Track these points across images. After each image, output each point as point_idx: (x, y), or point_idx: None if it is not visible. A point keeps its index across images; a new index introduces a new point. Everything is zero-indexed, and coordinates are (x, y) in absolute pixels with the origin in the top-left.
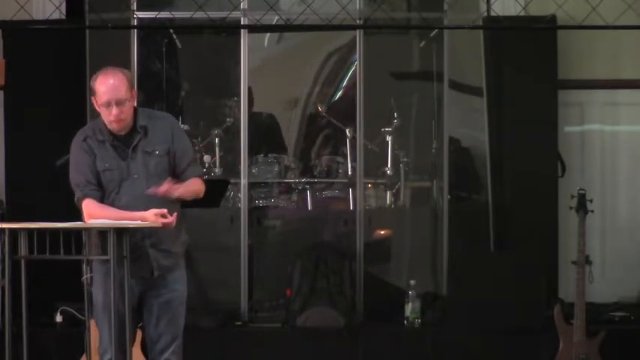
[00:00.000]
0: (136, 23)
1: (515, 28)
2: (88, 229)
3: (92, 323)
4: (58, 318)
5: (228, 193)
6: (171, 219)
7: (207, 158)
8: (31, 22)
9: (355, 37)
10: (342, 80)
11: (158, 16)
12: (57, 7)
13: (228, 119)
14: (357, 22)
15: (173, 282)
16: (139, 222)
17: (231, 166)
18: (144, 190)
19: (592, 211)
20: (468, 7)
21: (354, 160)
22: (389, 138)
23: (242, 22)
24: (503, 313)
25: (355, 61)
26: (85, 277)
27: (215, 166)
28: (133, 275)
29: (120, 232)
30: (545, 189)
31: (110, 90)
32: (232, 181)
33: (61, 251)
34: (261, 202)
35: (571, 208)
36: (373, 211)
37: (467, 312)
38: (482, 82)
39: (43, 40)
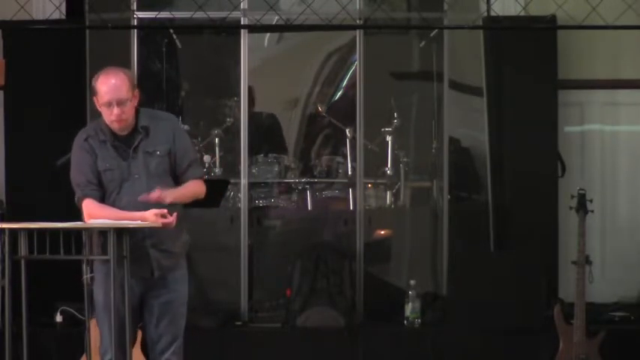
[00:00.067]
0: (136, 23)
1: (515, 28)
2: (88, 229)
3: (92, 323)
4: (58, 318)
5: (228, 193)
6: (171, 219)
7: (207, 158)
8: (31, 22)
9: (355, 37)
10: (342, 80)
11: (158, 16)
12: (57, 7)
13: (228, 119)
14: (357, 22)
15: (174, 282)
16: (139, 222)
17: (231, 166)
18: (145, 190)
19: (592, 211)
20: (468, 7)
21: (354, 160)
22: (389, 138)
23: (242, 22)
24: (503, 313)
25: (355, 61)
26: (85, 276)
27: (215, 166)
28: (133, 275)
29: (120, 232)
30: (545, 189)
31: (111, 90)
32: (232, 181)
33: (61, 251)
34: (261, 202)
35: (571, 208)
36: (373, 211)
37: (467, 312)
38: (482, 82)
39: (43, 40)
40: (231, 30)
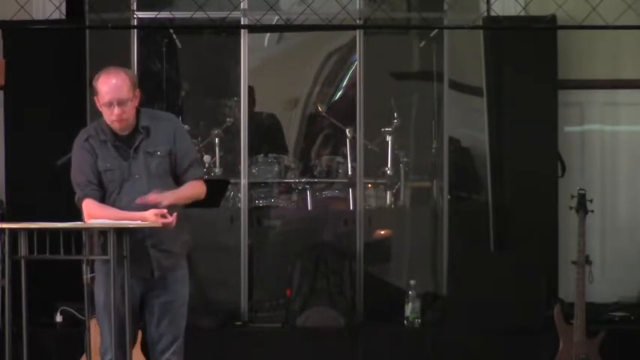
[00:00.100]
0: (136, 23)
1: (515, 28)
2: (88, 229)
3: (92, 323)
4: (58, 318)
5: (228, 193)
6: (171, 219)
7: (207, 158)
8: (31, 22)
9: (355, 37)
10: (342, 80)
11: (158, 16)
12: (57, 7)
13: (228, 119)
14: (357, 22)
15: (174, 282)
16: (139, 222)
17: (231, 166)
18: (145, 190)
19: (592, 211)
20: (468, 7)
21: (354, 160)
22: (389, 138)
23: (242, 22)
24: (503, 313)
25: (355, 61)
26: (85, 276)
27: (215, 166)
28: (133, 275)
29: (120, 232)
30: (545, 189)
31: (112, 90)
32: (232, 181)
33: (61, 251)
34: (261, 202)
35: (571, 208)
36: (373, 211)
37: (467, 312)
38: (482, 82)
39: (43, 40)
40: (231, 30)
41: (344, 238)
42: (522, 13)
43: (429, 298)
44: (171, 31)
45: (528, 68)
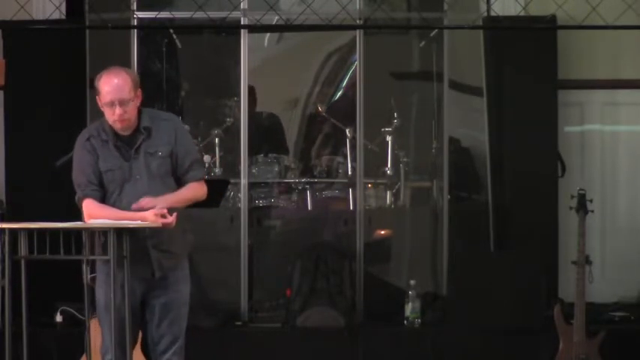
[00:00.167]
0: (136, 23)
1: (515, 28)
2: (89, 229)
3: (92, 323)
4: (58, 318)
5: (228, 193)
6: (171, 219)
7: (207, 158)
8: (31, 22)
9: (355, 37)
10: (342, 80)
11: (158, 16)
12: (57, 7)
13: (228, 119)
14: (357, 22)
15: (175, 283)
16: (139, 222)
17: (231, 166)
18: (146, 191)
19: (592, 211)
20: (468, 7)
21: (354, 160)
22: (389, 138)
23: (242, 22)
24: (503, 313)
25: (355, 61)
26: (86, 276)
27: (215, 166)
28: (134, 275)
29: (120, 232)
30: (545, 189)
31: (114, 90)
32: (232, 181)
33: (61, 251)
34: (261, 202)
35: (571, 208)
36: (373, 211)
37: (467, 312)
38: (482, 82)
39: (43, 40)
40: (231, 30)
41: (344, 238)
42: (522, 13)
43: (429, 298)
44: (171, 31)
45: (528, 68)
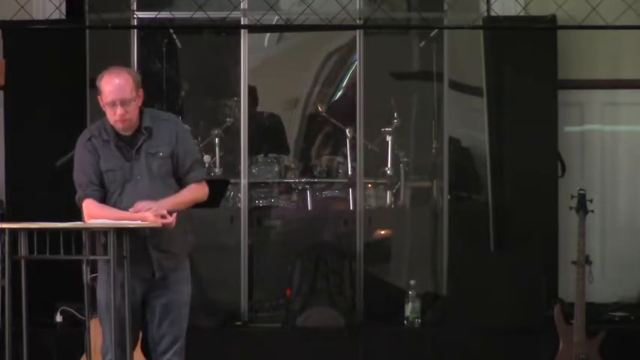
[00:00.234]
0: (136, 23)
1: (515, 28)
2: (89, 229)
3: (92, 323)
4: (58, 318)
5: (228, 193)
6: (171, 219)
7: (207, 158)
8: (31, 22)
9: (355, 37)
10: (342, 80)
11: (158, 16)
12: (57, 7)
13: (228, 119)
14: (357, 22)
15: (176, 283)
16: (139, 222)
17: (231, 166)
18: (147, 191)
19: (592, 211)
20: (468, 7)
21: (354, 160)
22: (389, 138)
23: (242, 22)
24: (503, 313)
25: (355, 61)
26: (86, 276)
27: (215, 166)
28: (134, 276)
29: (120, 232)
30: (545, 189)
31: (115, 89)
32: (232, 181)
33: (61, 251)
34: (261, 202)
35: (571, 208)
36: (373, 211)
37: (467, 312)
38: (482, 82)
39: (43, 40)
40: (231, 30)
41: (344, 238)
42: (522, 13)
43: (429, 298)
44: (171, 31)
45: (528, 68)
